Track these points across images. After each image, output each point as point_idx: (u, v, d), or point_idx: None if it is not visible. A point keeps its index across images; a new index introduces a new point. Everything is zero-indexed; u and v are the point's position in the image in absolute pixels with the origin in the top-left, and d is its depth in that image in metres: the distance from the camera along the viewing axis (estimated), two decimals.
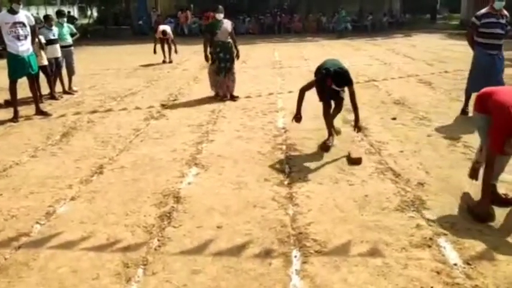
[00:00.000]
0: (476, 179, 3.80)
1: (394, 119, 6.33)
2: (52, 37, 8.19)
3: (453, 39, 19.58)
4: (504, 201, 3.62)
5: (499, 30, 6.16)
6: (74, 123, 6.47)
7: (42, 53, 7.75)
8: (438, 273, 2.76)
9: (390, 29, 26.24)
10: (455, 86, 8.75)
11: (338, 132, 5.40)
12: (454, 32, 23.59)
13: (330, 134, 5.19)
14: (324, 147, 5.07)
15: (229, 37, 7.82)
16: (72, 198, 3.96)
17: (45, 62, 7.83)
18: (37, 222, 3.52)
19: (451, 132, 5.61)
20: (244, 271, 2.84)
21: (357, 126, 5.04)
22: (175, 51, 13.20)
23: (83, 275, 2.83)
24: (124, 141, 5.58)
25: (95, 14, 32.27)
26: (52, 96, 8.09)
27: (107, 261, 2.97)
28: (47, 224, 3.51)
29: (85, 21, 31.23)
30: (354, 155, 4.69)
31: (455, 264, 2.85)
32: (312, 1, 29.59)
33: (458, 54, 14.05)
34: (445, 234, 3.22)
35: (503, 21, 6.17)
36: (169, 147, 5.32)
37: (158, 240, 3.23)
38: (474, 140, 5.25)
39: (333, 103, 5.25)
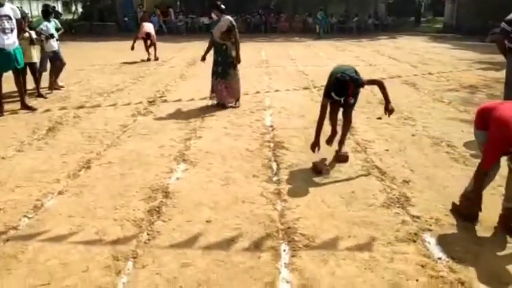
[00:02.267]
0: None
1: (379, 118, 6.43)
2: (52, 31, 8.15)
3: (436, 42, 19.91)
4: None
5: None
6: (60, 118, 6.42)
7: (33, 49, 7.54)
8: (423, 266, 2.84)
9: (375, 31, 26.54)
10: (438, 87, 8.92)
11: (345, 159, 4.72)
12: (437, 35, 23.98)
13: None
14: (322, 169, 4.43)
15: (223, 38, 6.96)
16: (60, 192, 3.95)
17: (35, 60, 7.67)
18: (25, 216, 3.50)
19: (434, 132, 5.72)
20: (234, 264, 2.87)
21: (388, 109, 4.60)
22: (156, 58, 13.00)
23: (73, 267, 2.83)
24: (111, 137, 5.56)
25: (80, 9, 31.87)
26: (39, 94, 7.87)
27: (96, 254, 2.97)
28: (34, 217, 3.49)
29: (69, 16, 30.86)
30: (340, 153, 4.75)
31: (439, 258, 2.93)
32: (298, 1, 29.75)
33: (441, 56, 14.32)
34: (429, 230, 3.30)
35: None
36: (157, 143, 5.32)
37: (148, 234, 3.24)
38: (457, 139, 5.41)
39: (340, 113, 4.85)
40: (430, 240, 3.16)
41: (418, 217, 3.49)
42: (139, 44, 12.81)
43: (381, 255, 2.97)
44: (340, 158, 4.72)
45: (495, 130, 3.12)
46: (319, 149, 4.52)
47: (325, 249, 3.03)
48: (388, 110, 4.58)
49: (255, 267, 2.83)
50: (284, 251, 3.02)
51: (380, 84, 4.62)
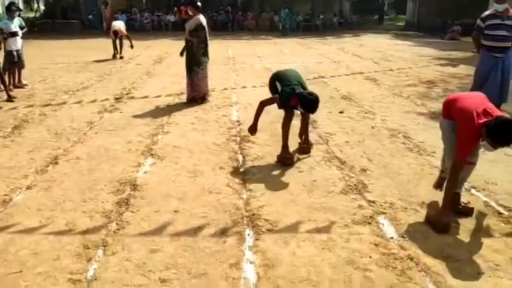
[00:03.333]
0: (442, 189, 3.65)
1: (341, 112, 6.69)
2: (14, 29, 8.04)
3: (399, 39, 20.50)
4: (463, 212, 3.52)
5: (504, 32, 5.92)
6: (25, 115, 6.39)
7: None
8: (376, 245, 3.07)
9: (340, 29, 27.03)
10: (398, 83, 9.29)
11: (309, 147, 5.00)
12: (399, 33, 24.67)
13: (286, 147, 4.69)
14: (288, 161, 4.62)
15: (191, 35, 7.09)
16: (28, 187, 4.00)
17: None
18: None
19: (392, 124, 6.02)
20: (200, 249, 3.03)
21: (306, 143, 4.95)
22: (131, 47, 12.91)
23: (43, 256, 2.92)
24: (78, 134, 5.60)
25: (42, 7, 31.12)
26: (9, 96, 7.48)
27: (67, 244, 3.07)
28: (4, 211, 3.55)
29: (31, 14, 30.07)
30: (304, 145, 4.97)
31: (391, 238, 3.18)
32: (265, 0, 29.99)
33: (403, 53, 14.80)
34: (384, 213, 3.55)
35: (509, 22, 5.88)
36: (124, 139, 5.40)
37: (117, 224, 3.36)
38: (412, 131, 5.72)
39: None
40: (384, 222, 3.40)
41: (373, 202, 3.74)
42: (109, 43, 12.75)
43: (338, 236, 3.19)
44: (302, 149, 4.93)
45: (462, 121, 3.24)
46: (255, 132, 4.92)
47: (286, 233, 3.23)
48: (306, 146, 4.97)
49: (220, 251, 3.00)
50: (248, 235, 3.20)
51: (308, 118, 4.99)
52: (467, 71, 10.25)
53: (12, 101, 7.25)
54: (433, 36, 21.24)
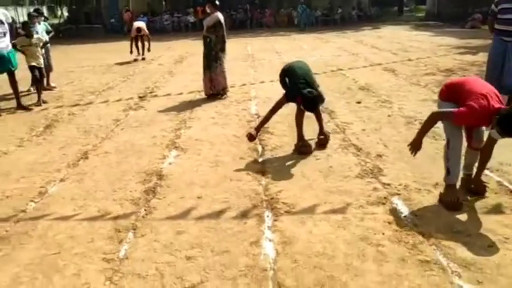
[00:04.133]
0: (468, 190, 3.66)
1: (358, 102, 6.81)
2: (36, 35, 8.39)
3: (418, 30, 20.35)
4: (475, 190, 3.61)
5: None
6: (55, 115, 6.73)
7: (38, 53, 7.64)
8: (389, 223, 3.23)
9: (359, 22, 26.94)
10: (416, 72, 9.33)
11: (326, 138, 4.98)
12: (419, 24, 24.45)
13: (301, 136, 4.88)
14: (305, 150, 4.78)
15: (209, 32, 7.39)
16: (62, 180, 4.29)
17: (33, 63, 7.55)
18: (31, 201, 3.84)
19: (409, 112, 6.12)
20: (223, 230, 3.24)
21: (323, 134, 4.93)
22: (149, 50, 13.10)
23: (79, 239, 3.18)
24: (105, 130, 5.89)
25: (66, 13, 31.97)
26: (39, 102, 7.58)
27: (100, 228, 3.33)
28: (40, 201, 3.83)
29: (55, 20, 30.94)
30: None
31: (404, 216, 3.32)
32: None
33: (422, 44, 14.74)
34: (398, 194, 3.69)
35: None
36: (149, 134, 5.66)
37: (145, 210, 3.60)
38: None
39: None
40: (398, 202, 3.54)
41: (388, 184, 3.88)
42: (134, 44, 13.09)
43: (352, 216, 3.35)
44: (321, 140, 4.94)
45: (474, 99, 3.19)
46: (309, 145, 4.85)
47: (303, 214, 3.41)
48: (323, 140, 4.94)
49: (241, 231, 3.20)
50: (267, 217, 3.39)
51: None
52: (485, 58, 10.13)
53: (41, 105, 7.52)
54: (453, 25, 20.99)
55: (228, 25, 7.73)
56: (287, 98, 4.83)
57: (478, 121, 3.30)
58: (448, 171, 3.48)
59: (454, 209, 3.37)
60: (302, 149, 4.79)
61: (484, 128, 3.51)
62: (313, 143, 4.98)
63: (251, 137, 4.90)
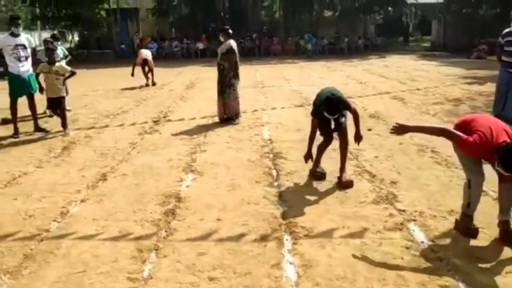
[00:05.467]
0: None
1: (369, 130, 6.92)
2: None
3: (424, 60, 20.66)
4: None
5: None
6: (72, 138, 6.87)
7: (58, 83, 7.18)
8: (408, 248, 3.28)
9: (365, 51, 27.37)
10: (425, 101, 9.47)
11: (349, 184, 4.63)
12: (425, 53, 24.80)
13: (318, 162, 4.90)
14: (319, 176, 4.82)
15: (222, 59, 7.65)
16: (82, 201, 4.38)
17: (51, 95, 7.19)
18: (54, 220, 3.92)
19: (420, 140, 6.20)
20: (243, 252, 3.31)
21: (358, 137, 4.80)
22: (153, 83, 13.25)
23: (104, 258, 3.25)
24: (122, 153, 6.01)
25: (76, 38, 32.62)
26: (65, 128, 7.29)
27: (123, 248, 3.40)
28: (62, 221, 3.92)
29: (66, 45, 31.56)
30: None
31: (422, 242, 3.38)
32: (289, 25, 30.70)
33: (429, 73, 14.97)
34: (414, 220, 3.75)
35: None
36: (165, 157, 5.78)
37: (165, 231, 3.67)
38: (440, 146, 5.87)
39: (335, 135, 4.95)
40: (414, 228, 3.61)
41: (404, 210, 3.95)
42: (139, 70, 13.31)
43: (371, 241, 3.41)
44: (344, 183, 4.61)
45: (479, 135, 3.22)
46: (312, 160, 4.86)
47: (322, 238, 3.48)
48: (357, 137, 4.78)
49: (262, 254, 3.27)
50: (287, 240, 3.46)
51: (355, 113, 4.73)
52: (493, 88, 10.26)
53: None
54: (459, 55, 21.28)
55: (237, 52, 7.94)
56: (314, 114, 4.73)
57: (481, 154, 3.29)
58: (468, 205, 3.43)
59: (470, 236, 3.41)
60: (317, 175, 4.86)
61: None
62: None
63: (308, 158, 4.86)
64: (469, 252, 3.22)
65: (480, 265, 3.05)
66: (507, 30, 6.28)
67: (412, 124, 3.62)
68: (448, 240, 3.40)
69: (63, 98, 7.32)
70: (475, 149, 3.24)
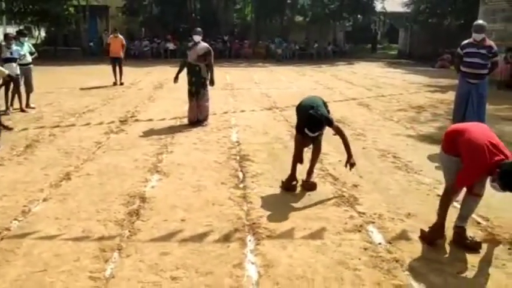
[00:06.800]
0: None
1: (334, 134, 7.05)
2: (9, 55, 8.42)
3: (391, 67, 21.21)
4: (471, 246, 3.44)
5: (478, 60, 6.29)
6: (36, 136, 6.74)
7: None
8: (365, 249, 3.41)
9: (334, 57, 27.82)
10: (389, 108, 9.75)
11: (313, 187, 4.71)
12: (392, 61, 25.43)
13: (293, 176, 4.69)
14: (291, 187, 4.66)
15: (198, 60, 7.61)
16: (45, 199, 4.32)
17: None
18: (15, 219, 3.86)
19: (382, 146, 6.41)
20: (206, 252, 3.35)
21: (349, 162, 4.60)
22: (121, 83, 13.19)
23: (65, 258, 3.23)
24: (87, 152, 5.94)
25: (43, 34, 31.80)
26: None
27: (85, 248, 3.39)
28: (24, 220, 3.86)
29: (32, 41, 30.73)
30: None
31: (379, 243, 3.52)
32: (261, 29, 30.90)
33: (394, 80, 15.39)
34: (372, 222, 3.89)
35: (484, 51, 6.27)
36: (131, 157, 5.75)
37: (129, 231, 3.68)
38: (401, 151, 6.10)
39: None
40: (373, 230, 3.74)
41: (363, 213, 4.09)
42: (110, 69, 13.18)
43: (331, 241, 3.53)
44: (308, 186, 4.72)
45: (472, 154, 3.16)
46: (297, 182, 4.70)
47: (284, 239, 3.57)
48: (350, 163, 4.59)
49: (224, 254, 3.33)
50: (249, 241, 3.53)
51: (341, 134, 4.65)
52: (454, 97, 10.71)
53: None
54: (424, 64, 21.95)
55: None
56: (297, 130, 4.66)
57: (481, 177, 3.28)
58: (465, 219, 3.49)
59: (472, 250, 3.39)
60: (289, 187, 4.66)
61: None
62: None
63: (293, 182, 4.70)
64: (423, 254, 3.37)
65: (434, 266, 3.20)
66: (466, 41, 6.51)
67: (438, 218, 3.47)
68: (404, 242, 3.55)
69: None
70: (476, 176, 3.22)
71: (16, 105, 8.68)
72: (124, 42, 13.64)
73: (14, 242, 3.46)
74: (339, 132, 4.65)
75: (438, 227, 3.46)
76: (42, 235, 3.59)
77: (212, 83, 7.88)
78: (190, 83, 7.75)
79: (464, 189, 3.47)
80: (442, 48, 23.01)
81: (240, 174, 5.15)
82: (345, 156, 5.61)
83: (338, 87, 13.42)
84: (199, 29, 7.93)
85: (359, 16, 32.36)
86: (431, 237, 3.50)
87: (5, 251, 3.31)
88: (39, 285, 2.89)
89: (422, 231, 3.60)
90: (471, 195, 3.44)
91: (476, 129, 3.38)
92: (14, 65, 8.52)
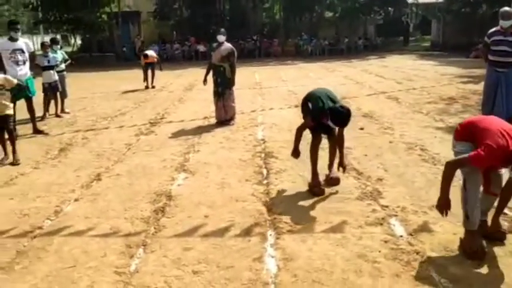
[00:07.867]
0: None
1: (361, 129, 7.03)
2: (47, 64, 8.80)
3: (423, 60, 20.74)
4: (496, 237, 3.34)
5: (505, 48, 6.21)
6: (69, 140, 7.02)
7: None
8: (386, 242, 3.40)
9: (365, 52, 27.49)
10: (419, 100, 9.58)
11: (336, 181, 4.70)
12: (424, 53, 24.86)
13: (315, 174, 4.59)
14: (318, 191, 4.45)
15: (222, 61, 7.70)
16: (76, 200, 4.52)
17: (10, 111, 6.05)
18: (47, 218, 4.06)
19: (410, 139, 6.32)
20: (228, 246, 3.43)
21: (342, 164, 4.64)
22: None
23: (93, 254, 3.38)
24: (118, 154, 6.15)
25: (79, 41, 32.87)
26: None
27: (112, 244, 3.53)
28: (56, 219, 4.05)
29: (69, 49, 31.81)
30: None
31: (400, 236, 3.49)
32: (290, 27, 30.86)
33: (426, 73, 15.05)
34: (395, 215, 3.87)
35: (511, 39, 6.18)
36: (160, 157, 5.91)
37: (154, 228, 3.80)
38: (429, 144, 6.00)
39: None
40: (395, 223, 3.72)
41: (386, 206, 4.06)
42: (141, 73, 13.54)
43: (351, 235, 3.53)
44: (331, 181, 4.69)
45: (489, 138, 2.98)
46: (299, 155, 4.73)
47: (304, 233, 3.59)
48: (343, 165, 4.65)
49: (245, 248, 3.39)
50: (270, 235, 3.58)
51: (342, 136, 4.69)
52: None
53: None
54: (458, 55, 21.35)
55: (237, 54, 8.06)
56: (313, 118, 4.54)
57: (497, 162, 3.03)
58: (466, 216, 3.17)
59: (477, 259, 3.10)
60: (315, 190, 4.49)
61: (503, 171, 3.31)
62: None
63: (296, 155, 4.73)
64: (445, 246, 3.32)
65: (455, 258, 3.15)
66: (493, 29, 6.35)
67: (440, 192, 3.25)
68: (426, 234, 3.51)
69: (10, 116, 5.99)
70: (492, 157, 2.95)
71: (52, 110, 9.06)
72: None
73: (45, 239, 3.64)
74: (342, 137, 4.68)
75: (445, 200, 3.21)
76: (72, 232, 3.76)
77: (232, 84, 7.86)
78: (215, 84, 7.87)
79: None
80: (476, 38, 22.28)
81: (264, 171, 5.20)
82: (370, 152, 5.59)
83: (367, 81, 13.27)
84: (223, 29, 8.06)
85: (390, 9, 31.71)
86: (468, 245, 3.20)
87: (37, 248, 3.49)
88: (67, 281, 3.03)
89: (460, 240, 3.31)
90: (488, 195, 3.33)
91: (493, 121, 3.25)
92: (52, 72, 8.92)
